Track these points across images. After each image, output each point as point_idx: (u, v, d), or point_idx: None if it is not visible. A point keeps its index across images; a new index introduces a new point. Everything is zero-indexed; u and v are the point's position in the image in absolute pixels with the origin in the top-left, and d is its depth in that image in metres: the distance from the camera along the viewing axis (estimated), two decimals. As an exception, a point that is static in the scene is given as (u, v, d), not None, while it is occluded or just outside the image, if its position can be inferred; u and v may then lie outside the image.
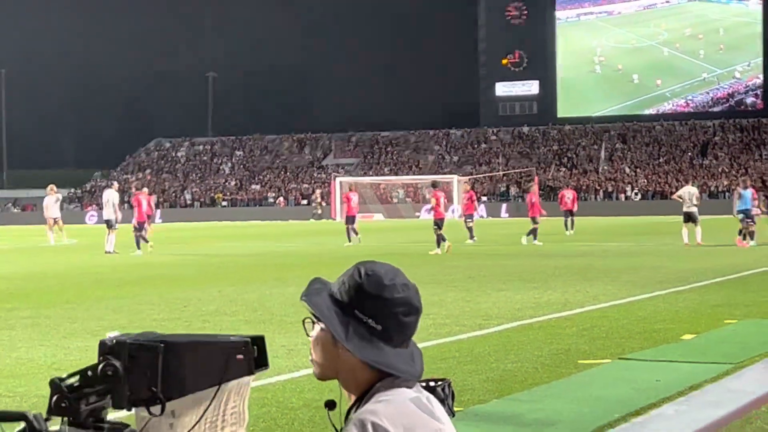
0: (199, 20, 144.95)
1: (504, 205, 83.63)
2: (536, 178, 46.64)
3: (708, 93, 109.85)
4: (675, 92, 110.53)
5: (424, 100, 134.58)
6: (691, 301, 16.79)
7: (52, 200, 42.77)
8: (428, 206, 34.68)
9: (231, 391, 2.46)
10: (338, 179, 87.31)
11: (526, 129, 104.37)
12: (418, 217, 78.26)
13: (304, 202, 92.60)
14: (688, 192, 34.74)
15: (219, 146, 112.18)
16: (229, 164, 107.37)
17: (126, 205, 61.39)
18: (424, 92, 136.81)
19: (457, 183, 79.01)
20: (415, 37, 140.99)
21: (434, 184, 36.07)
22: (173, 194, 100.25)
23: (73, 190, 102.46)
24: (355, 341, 2.56)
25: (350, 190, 41.89)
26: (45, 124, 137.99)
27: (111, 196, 36.13)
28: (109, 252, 33.84)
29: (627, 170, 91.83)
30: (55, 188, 43.51)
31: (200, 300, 17.76)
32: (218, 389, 2.41)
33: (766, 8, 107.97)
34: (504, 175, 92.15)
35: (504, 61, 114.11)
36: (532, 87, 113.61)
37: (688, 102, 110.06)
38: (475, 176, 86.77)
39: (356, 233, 38.56)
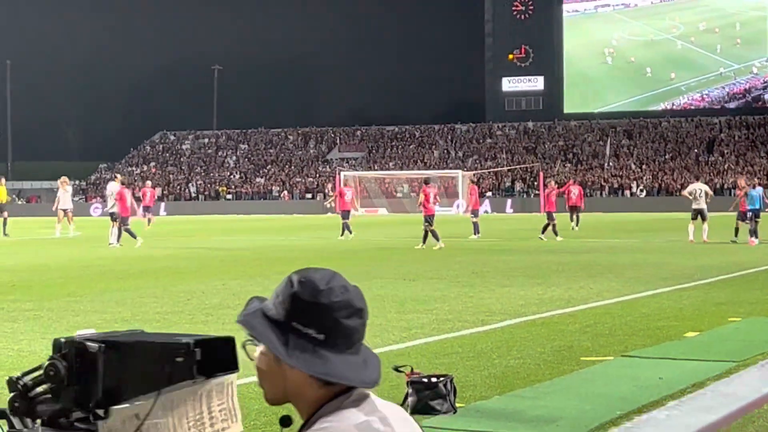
0: (204, 13, 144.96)
1: (509, 201, 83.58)
2: (571, 181, 46.53)
3: (724, 88, 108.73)
4: (690, 86, 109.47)
5: (429, 95, 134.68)
6: (695, 299, 16.75)
7: (63, 192, 42.80)
8: (419, 201, 34.52)
9: (212, 390, 2.42)
10: (343, 173, 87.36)
11: (531, 124, 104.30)
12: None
13: (309, 195, 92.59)
14: (698, 189, 34.69)
15: (224, 139, 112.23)
16: (234, 157, 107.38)
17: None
18: (429, 87, 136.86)
19: (462, 178, 79.03)
20: (421, 31, 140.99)
21: (426, 181, 35.99)
22: (178, 187, 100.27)
23: (77, 183, 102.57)
24: (297, 355, 2.36)
25: (345, 185, 41.75)
26: (50, 116, 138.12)
27: (115, 188, 36.09)
28: (113, 245, 33.82)
29: (633, 166, 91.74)
30: (67, 180, 43.48)
31: (204, 293, 17.76)
32: (158, 393, 2.32)
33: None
34: (509, 170, 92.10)
35: (510, 57, 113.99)
36: (537, 82, 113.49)
37: (704, 96, 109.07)
38: (480, 171, 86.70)
39: (349, 229, 38.39)
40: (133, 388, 2.34)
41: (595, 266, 23.67)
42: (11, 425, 2.36)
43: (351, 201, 40.48)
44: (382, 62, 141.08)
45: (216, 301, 16.56)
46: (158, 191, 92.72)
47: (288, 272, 2.44)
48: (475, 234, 38.34)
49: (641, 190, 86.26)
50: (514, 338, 12.58)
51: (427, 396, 8.51)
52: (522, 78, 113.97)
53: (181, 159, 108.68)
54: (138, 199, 45.00)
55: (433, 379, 8.61)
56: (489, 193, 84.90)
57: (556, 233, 36.19)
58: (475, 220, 39.33)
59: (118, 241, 34.20)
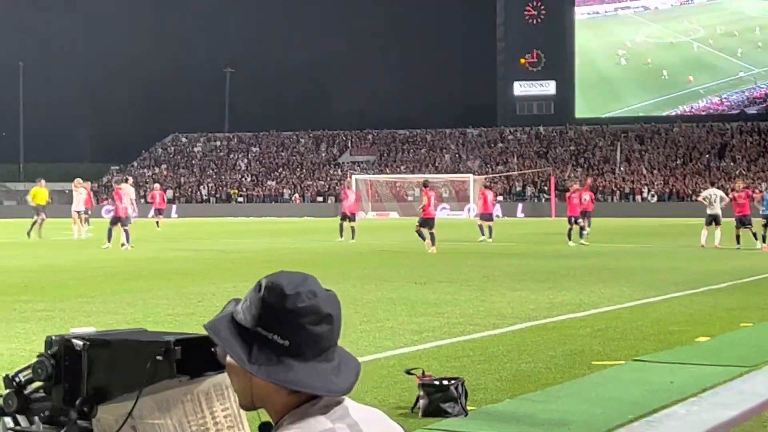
0: (216, 16, 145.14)
1: (520, 205, 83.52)
2: (588, 180, 46.35)
3: (744, 92, 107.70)
4: (710, 90, 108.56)
5: (441, 99, 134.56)
6: (706, 304, 16.73)
7: (77, 194, 42.93)
8: (420, 205, 34.51)
9: (209, 392, 2.41)
10: (354, 176, 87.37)
11: (542, 129, 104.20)
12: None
13: (320, 198, 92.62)
14: (713, 194, 34.64)
15: (235, 142, 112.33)
16: (246, 160, 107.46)
17: (142, 200, 61.52)
18: (441, 91, 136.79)
19: (473, 182, 78.99)
20: (433, 35, 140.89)
21: (425, 184, 36.05)
22: (189, 189, 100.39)
23: (89, 184, 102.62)
24: (260, 362, 2.27)
25: (347, 187, 41.76)
26: (62, 117, 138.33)
27: (128, 190, 36.16)
28: (125, 246, 33.86)
29: (644, 171, 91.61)
30: (80, 182, 43.52)
31: (215, 295, 17.78)
32: (139, 392, 2.32)
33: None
34: (520, 174, 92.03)
35: (522, 61, 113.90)
36: (549, 87, 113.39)
37: (723, 100, 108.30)
38: (491, 175, 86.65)
39: (352, 231, 38.60)
40: (119, 386, 2.34)
41: (605, 271, 23.66)
42: (16, 422, 2.37)
43: (353, 204, 40.55)
44: (394, 66, 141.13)
45: (227, 303, 16.57)
46: (169, 193, 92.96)
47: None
48: (486, 236, 38.48)
49: (652, 195, 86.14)
50: (525, 342, 12.59)
51: (438, 399, 8.53)
52: (534, 82, 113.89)
53: (193, 161, 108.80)
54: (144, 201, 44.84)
55: (445, 382, 8.62)
56: (500, 198, 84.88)
57: (569, 237, 36.19)
58: (480, 223, 39.47)
59: (128, 241, 34.26)
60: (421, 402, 8.61)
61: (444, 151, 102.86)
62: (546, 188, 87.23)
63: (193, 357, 2.37)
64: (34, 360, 2.36)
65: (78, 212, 42.73)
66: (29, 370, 2.40)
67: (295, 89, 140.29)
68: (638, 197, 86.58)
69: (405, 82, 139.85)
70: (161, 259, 28.69)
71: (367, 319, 14.68)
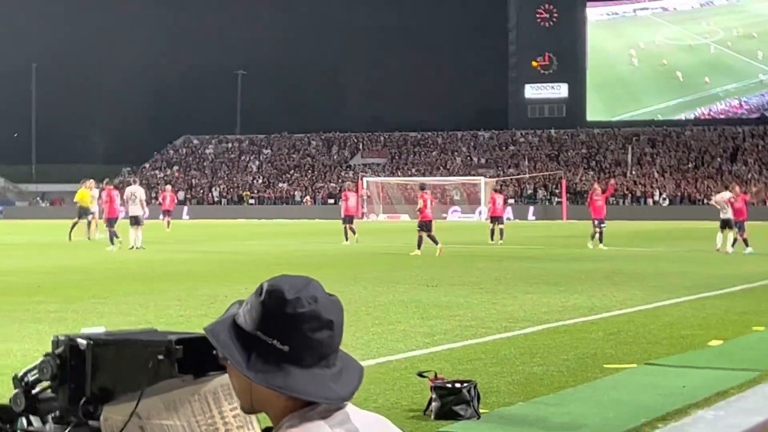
0: (228, 18, 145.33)
1: (531, 208, 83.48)
2: (612, 182, 46.29)
3: (764, 95, 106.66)
4: (729, 92, 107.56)
5: (452, 101, 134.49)
6: (718, 308, 16.71)
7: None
8: (417, 207, 34.58)
9: (217, 392, 2.42)
10: (365, 179, 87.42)
11: (554, 132, 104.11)
12: (445, 218, 78.19)
13: (331, 201, 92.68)
14: (725, 198, 34.61)
15: (247, 144, 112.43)
16: (257, 162, 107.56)
17: (154, 200, 61.63)
18: (453, 93, 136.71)
19: (484, 185, 78.97)
20: (445, 38, 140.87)
21: (422, 186, 36.13)
22: (201, 191, 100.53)
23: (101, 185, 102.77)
24: (258, 368, 2.25)
25: (348, 189, 41.75)
26: (74, 119, 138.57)
27: (138, 192, 36.21)
28: (138, 247, 33.93)
29: (655, 175, 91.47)
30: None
31: (227, 297, 17.78)
32: (141, 391, 2.32)
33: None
34: (531, 177, 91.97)
35: (534, 64, 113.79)
36: (561, 90, 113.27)
37: (742, 103, 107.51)
38: (502, 178, 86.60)
39: (354, 233, 38.65)
40: (122, 386, 2.35)
41: (617, 274, 23.64)
42: (29, 422, 2.39)
43: (355, 206, 40.63)
44: (405, 69, 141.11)
45: (239, 305, 16.59)
46: (181, 195, 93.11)
47: (310, 276, 2.40)
48: (499, 238, 38.63)
49: (664, 199, 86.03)
50: (537, 345, 12.59)
51: (450, 401, 8.54)
52: (545, 85, 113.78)
53: (205, 163, 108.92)
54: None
55: (457, 385, 8.64)
56: (511, 200, 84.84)
57: (592, 237, 36.23)
58: (493, 226, 39.58)
59: (140, 242, 34.35)
60: (434, 405, 8.62)
61: (455, 153, 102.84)
62: (557, 191, 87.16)
63: (196, 356, 2.37)
64: (40, 359, 2.38)
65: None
66: (36, 370, 2.41)
67: (307, 91, 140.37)
68: (650, 200, 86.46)
69: (416, 84, 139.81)
70: (173, 260, 28.74)
71: (379, 321, 14.70)
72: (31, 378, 2.42)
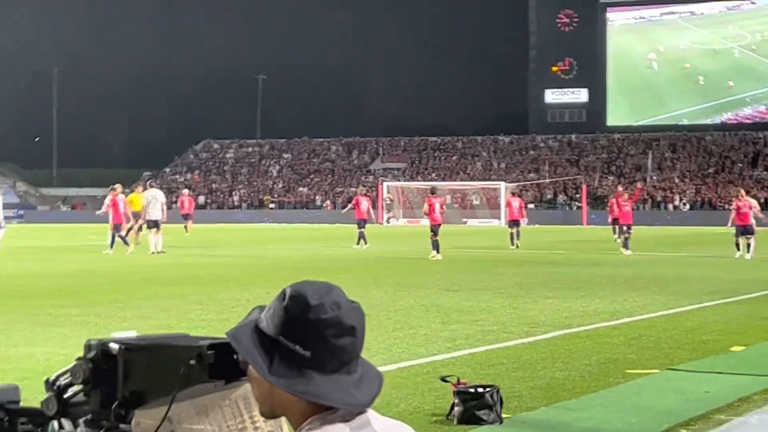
0: (249, 23, 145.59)
1: (551, 213, 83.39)
2: (639, 185, 46.32)
3: None
4: (756, 98, 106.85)
5: (473, 106, 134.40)
6: (740, 313, 16.67)
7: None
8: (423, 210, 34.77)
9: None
10: (385, 183, 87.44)
11: (574, 137, 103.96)
12: (465, 223, 78.17)
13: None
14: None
15: (267, 148, 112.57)
16: (277, 167, 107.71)
17: (174, 205, 61.73)
18: (473, 98, 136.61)
19: (504, 189, 78.90)
20: (465, 42, 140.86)
21: (432, 191, 36.19)
22: (221, 195, 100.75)
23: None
24: (280, 373, 2.25)
25: (358, 194, 41.82)
26: (95, 123, 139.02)
27: (159, 195, 36.30)
28: (159, 252, 34.00)
29: (676, 180, 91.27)
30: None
31: (248, 301, 17.83)
32: (173, 397, 2.32)
33: None
34: (551, 182, 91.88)
35: (554, 69, 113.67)
36: (581, 95, 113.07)
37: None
38: (522, 183, 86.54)
39: (365, 241, 38.59)
40: (154, 390, 2.36)
41: (639, 279, 23.59)
42: (60, 426, 2.40)
43: (367, 210, 40.70)
44: (425, 73, 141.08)
45: (261, 309, 16.62)
46: (201, 199, 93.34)
47: (331, 281, 2.41)
48: (516, 239, 38.72)
49: (684, 204, 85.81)
50: (559, 350, 12.58)
51: (473, 406, 8.55)
52: (565, 90, 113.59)
53: (225, 167, 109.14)
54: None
55: (480, 390, 8.64)
56: (531, 205, 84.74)
57: (624, 243, 36.32)
58: (512, 231, 39.65)
59: (161, 247, 34.42)
60: (456, 409, 8.63)
61: (475, 158, 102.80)
62: (577, 196, 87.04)
63: (227, 362, 2.37)
64: (72, 363, 2.39)
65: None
66: (68, 374, 2.43)
67: (327, 96, 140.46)
68: (670, 206, 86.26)
69: (437, 89, 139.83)
70: (195, 264, 28.81)
71: (401, 326, 14.71)
72: (63, 382, 2.44)
